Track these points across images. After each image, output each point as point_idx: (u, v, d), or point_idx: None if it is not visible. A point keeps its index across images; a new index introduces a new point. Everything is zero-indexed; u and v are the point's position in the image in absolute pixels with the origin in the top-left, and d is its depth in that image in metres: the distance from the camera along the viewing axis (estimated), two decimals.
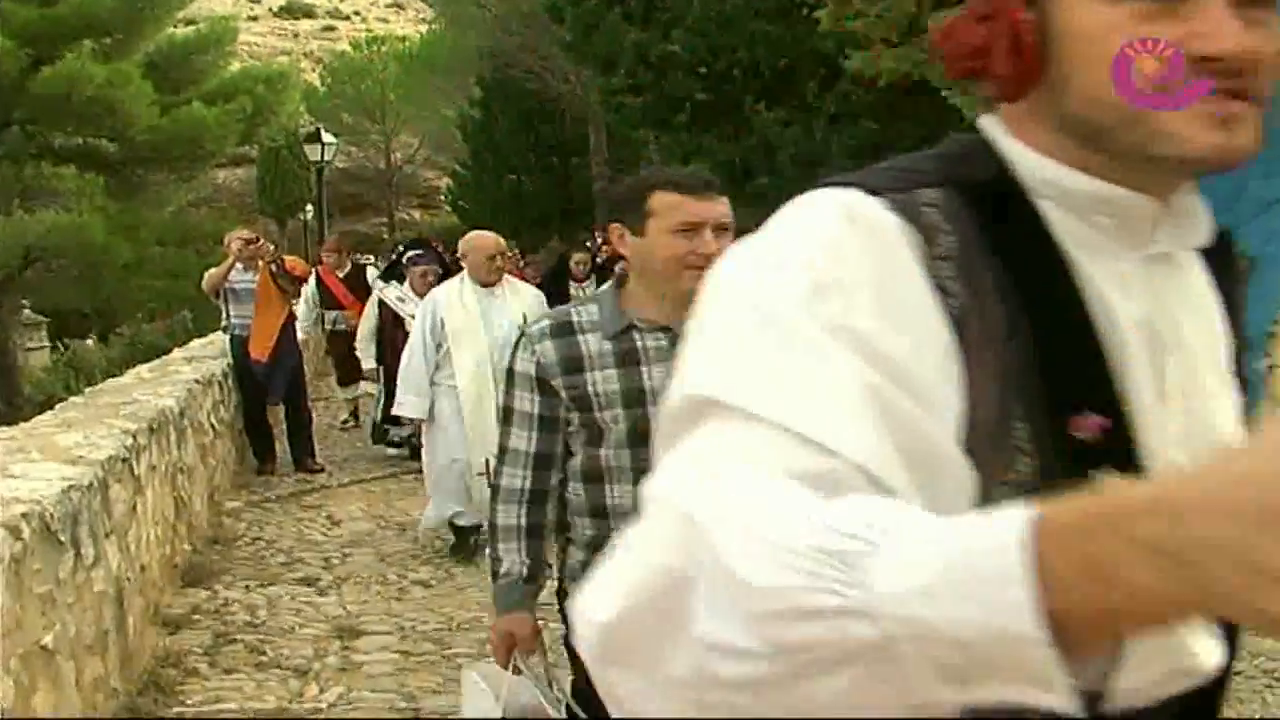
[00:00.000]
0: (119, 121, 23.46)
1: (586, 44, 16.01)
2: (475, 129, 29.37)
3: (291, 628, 6.55)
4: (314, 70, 54.80)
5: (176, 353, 11.80)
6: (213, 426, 9.32)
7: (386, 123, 48.39)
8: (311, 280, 12.48)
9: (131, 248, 21.62)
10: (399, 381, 7.90)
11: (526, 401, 3.07)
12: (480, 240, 7.74)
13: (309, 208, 38.10)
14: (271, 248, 11.25)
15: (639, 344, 3.00)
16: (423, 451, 8.15)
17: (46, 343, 32.92)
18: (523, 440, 3.10)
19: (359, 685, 5.70)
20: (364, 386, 12.30)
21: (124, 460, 5.81)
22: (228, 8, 58.84)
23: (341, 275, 12.83)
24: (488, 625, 6.45)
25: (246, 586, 7.31)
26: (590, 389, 2.98)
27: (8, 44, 22.58)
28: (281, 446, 11.16)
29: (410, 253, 10.79)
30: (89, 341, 32.33)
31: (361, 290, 12.03)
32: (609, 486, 3.01)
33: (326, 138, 27.00)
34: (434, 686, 5.68)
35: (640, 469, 2.82)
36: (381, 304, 10.54)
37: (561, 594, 3.22)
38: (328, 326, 13.02)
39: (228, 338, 11.02)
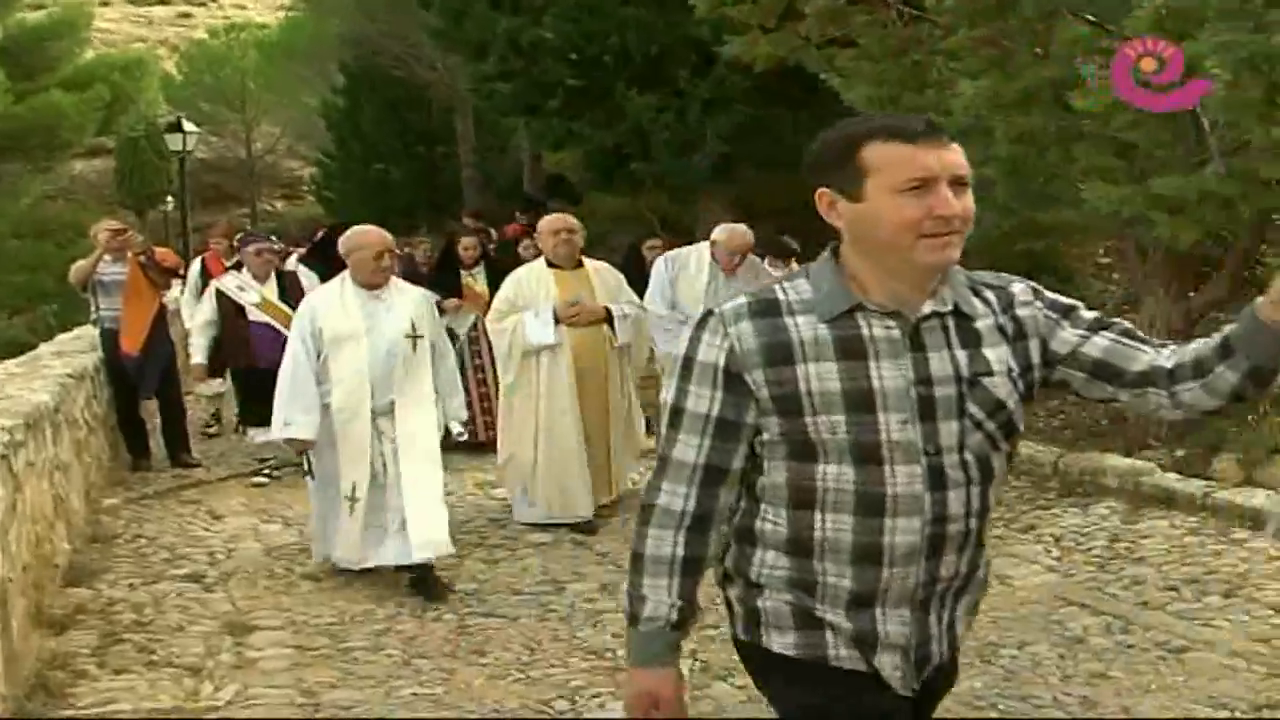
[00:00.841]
0: None
1: (456, 30, 15.86)
2: (339, 117, 28.93)
3: (180, 625, 6.42)
4: (170, 58, 53.58)
5: (44, 347, 11.46)
6: (86, 422, 9.09)
7: (247, 112, 47.31)
8: (195, 269, 11.97)
9: None
10: (277, 400, 6.86)
11: (704, 400, 2.42)
12: (364, 237, 6.94)
13: (169, 199, 37.27)
14: (140, 238, 10.96)
15: (865, 332, 2.36)
16: (309, 480, 7.20)
17: None
18: (691, 450, 2.45)
19: (255, 682, 5.60)
20: (216, 384, 11.11)
21: (2, 456, 5.64)
22: None
23: (229, 264, 11.97)
24: (380, 617, 6.48)
25: (131, 585, 7.13)
26: (802, 387, 2.34)
27: None
28: (156, 442, 10.92)
29: (249, 237, 10.61)
30: None
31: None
32: (820, 515, 2.39)
33: (188, 127, 26.57)
34: (332, 681, 5.60)
35: (866, 493, 2.35)
36: (220, 294, 9.96)
37: (746, 651, 2.58)
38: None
39: (97, 331, 10.75)
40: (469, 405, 9.83)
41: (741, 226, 9.38)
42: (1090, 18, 8.20)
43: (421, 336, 6.92)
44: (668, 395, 2.51)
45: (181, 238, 27.38)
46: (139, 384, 10.57)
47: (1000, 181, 8.69)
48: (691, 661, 5.64)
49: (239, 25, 52.30)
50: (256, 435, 9.66)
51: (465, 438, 8.05)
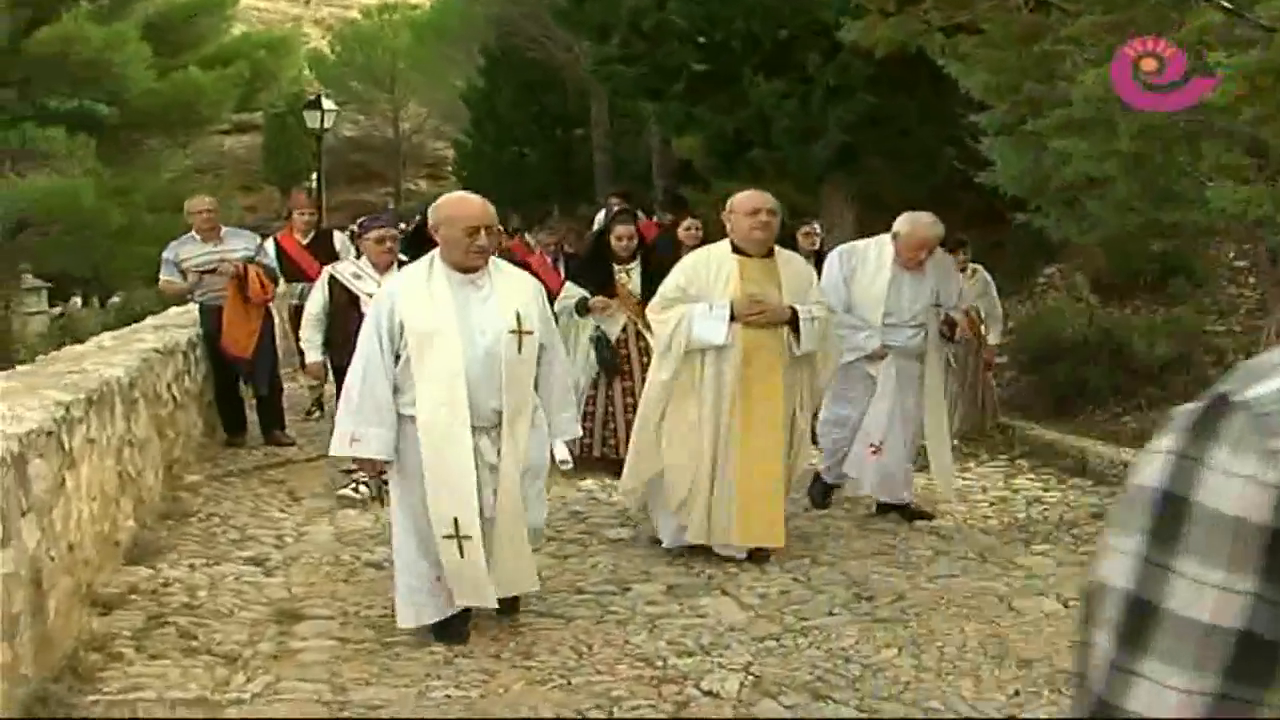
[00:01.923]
0: (115, 84, 23.17)
1: (580, 12, 15.65)
2: (478, 98, 29.00)
3: (230, 610, 6.26)
4: (324, 37, 54.35)
5: (148, 320, 11.50)
6: (174, 397, 9.02)
7: (395, 91, 47.88)
8: (270, 247, 11.32)
9: (123, 213, 21.32)
10: (342, 407, 5.76)
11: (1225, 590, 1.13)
12: (456, 207, 5.72)
13: (314, 176, 37.74)
14: (235, 267, 10.30)
15: None
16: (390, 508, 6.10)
17: (45, 307, 32.68)
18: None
19: (289, 674, 5.40)
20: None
21: (49, 434, 5.51)
22: None
23: (305, 242, 11.65)
24: None
25: (191, 565, 7.01)
26: None
27: (3, 4, 22.26)
28: (253, 418, 10.86)
29: (367, 220, 9.64)
30: (84, 306, 32.04)
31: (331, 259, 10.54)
32: None
33: (327, 104, 26.73)
34: (367, 677, 5.37)
35: None
36: (333, 281, 8.94)
37: None
38: (293, 301, 11.35)
39: (197, 307, 10.72)
40: (605, 418, 9.37)
41: (928, 216, 7.91)
42: (1225, 4, 7.66)
43: (530, 333, 5.68)
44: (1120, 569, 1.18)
45: (320, 214, 27.66)
46: (249, 382, 10.63)
47: (1121, 178, 8.20)
48: (743, 675, 5.33)
49: (391, 5, 52.91)
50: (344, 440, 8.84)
51: (569, 465, 6.40)
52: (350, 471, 8.23)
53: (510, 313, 5.64)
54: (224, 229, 10.74)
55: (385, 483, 6.01)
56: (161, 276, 10.76)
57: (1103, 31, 8.17)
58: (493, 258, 5.81)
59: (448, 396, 5.50)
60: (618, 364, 9.31)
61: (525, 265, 8.40)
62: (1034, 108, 8.70)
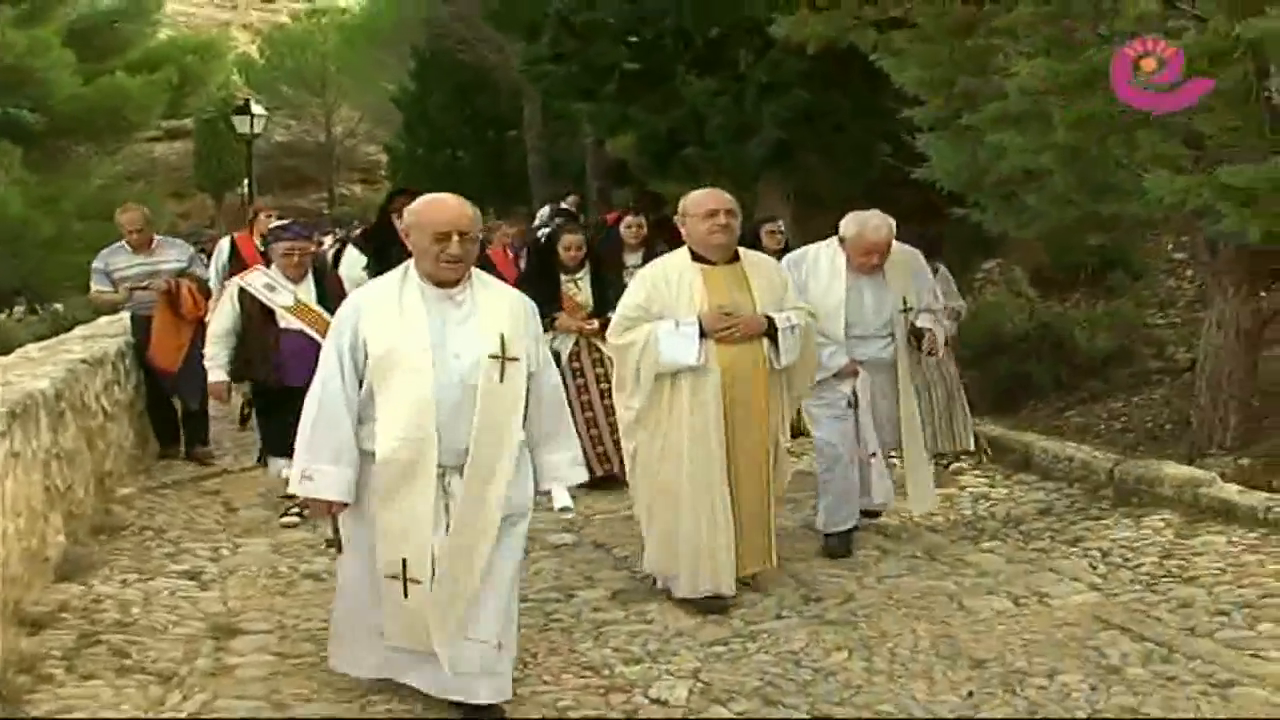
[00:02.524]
0: (39, 90, 22.81)
1: (509, 11, 15.54)
2: (409, 101, 28.78)
3: (165, 626, 6.10)
4: (253, 42, 53.83)
5: (78, 330, 11.28)
6: (104, 408, 8.81)
7: (327, 96, 47.48)
8: (224, 248, 10.68)
9: (52, 222, 20.99)
10: (298, 439, 4.82)
11: None
12: (426, 210, 4.84)
13: (246, 182, 37.36)
14: (166, 283, 9.91)
15: None
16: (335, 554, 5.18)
17: None
18: None
19: (226, 692, 5.26)
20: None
21: None
22: None
23: (263, 247, 10.06)
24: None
25: (124, 581, 6.83)
26: None
27: None
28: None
29: (281, 224, 9.11)
30: (17, 316, 31.47)
31: None
32: None
33: (256, 109, 26.51)
34: (307, 693, 5.25)
35: None
36: (244, 294, 8.16)
37: None
38: None
39: (128, 316, 10.48)
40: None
41: (876, 216, 7.11)
42: None
43: (515, 359, 4.84)
44: None
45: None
46: (178, 396, 10.23)
47: (1058, 171, 8.18)
48: (692, 681, 5.25)
49: (321, 9, 52.52)
50: (283, 467, 7.29)
51: (571, 513, 5.81)
52: (289, 497, 7.49)
53: (493, 335, 4.78)
54: (157, 239, 10.42)
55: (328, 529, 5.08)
56: (93, 286, 10.38)
57: (1039, 22, 8.17)
58: (476, 271, 4.98)
59: (413, 430, 4.69)
60: (574, 382, 8.83)
61: (485, 259, 8.27)
62: (968, 102, 8.68)
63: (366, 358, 4.76)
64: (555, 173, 24.49)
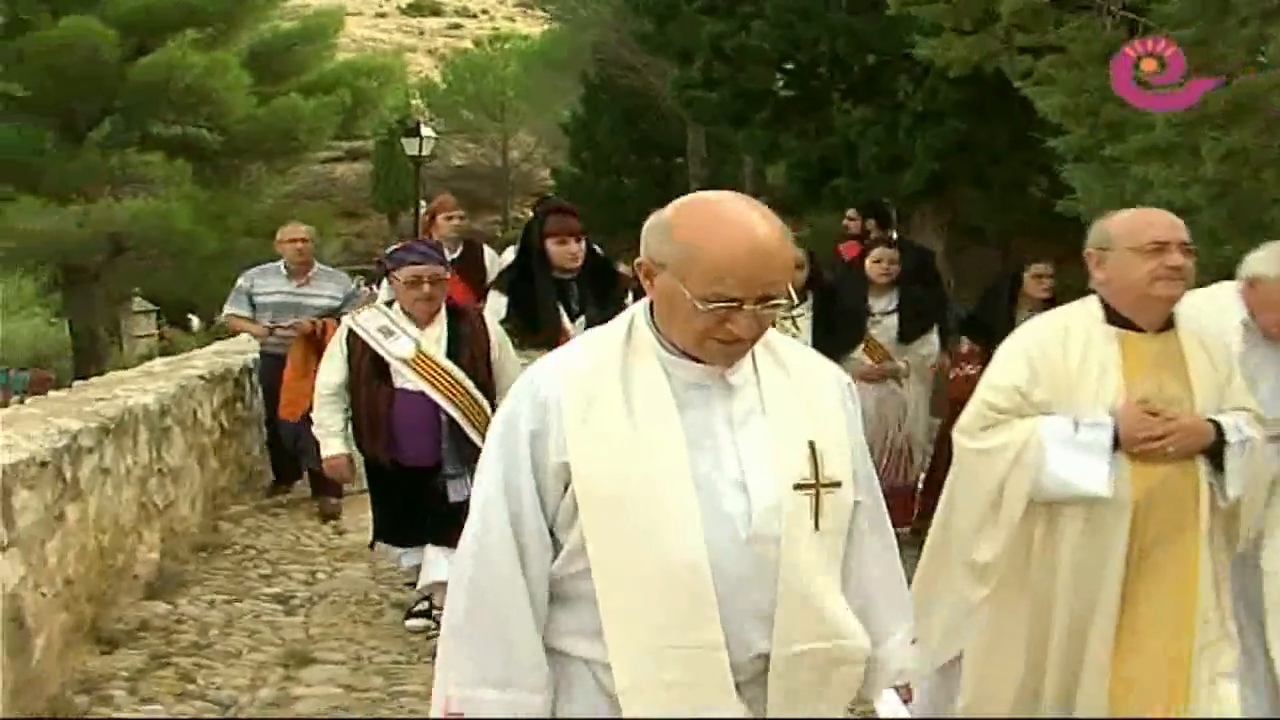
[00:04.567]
0: (215, 110, 23.45)
1: (662, 35, 15.38)
2: (578, 127, 28.94)
3: (240, 651, 5.98)
4: (436, 67, 54.94)
5: (219, 345, 11.37)
6: (221, 425, 8.81)
7: (505, 120, 48.20)
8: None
9: (218, 237, 21.45)
10: (442, 641, 2.67)
11: None
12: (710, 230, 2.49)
13: (423, 203, 37.97)
14: (311, 324, 8.54)
15: None
16: None
17: (154, 330, 33.15)
18: None
19: None
20: None
21: (42, 464, 5.27)
22: (357, 4, 59.35)
23: (451, 256, 8.25)
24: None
25: (211, 601, 6.74)
26: None
27: (109, 32, 22.58)
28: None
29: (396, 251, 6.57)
30: (193, 327, 32.46)
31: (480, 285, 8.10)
32: None
33: (426, 131, 26.80)
34: None
35: None
36: (353, 338, 6.13)
37: None
38: None
39: (257, 352, 9.43)
40: None
41: None
42: None
43: (837, 484, 2.60)
44: None
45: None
46: (296, 453, 8.66)
47: (1207, 207, 7.69)
48: None
49: (504, 36, 53.40)
50: (402, 556, 6.47)
51: None
52: (411, 585, 6.46)
53: (797, 445, 2.58)
54: (316, 267, 9.13)
55: None
56: (228, 308, 9.13)
57: (1189, 48, 7.69)
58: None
59: (676, 629, 2.49)
60: None
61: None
62: (1114, 131, 8.23)
63: (567, 493, 2.52)
64: None
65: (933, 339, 7.82)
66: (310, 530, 8.51)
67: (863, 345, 7.58)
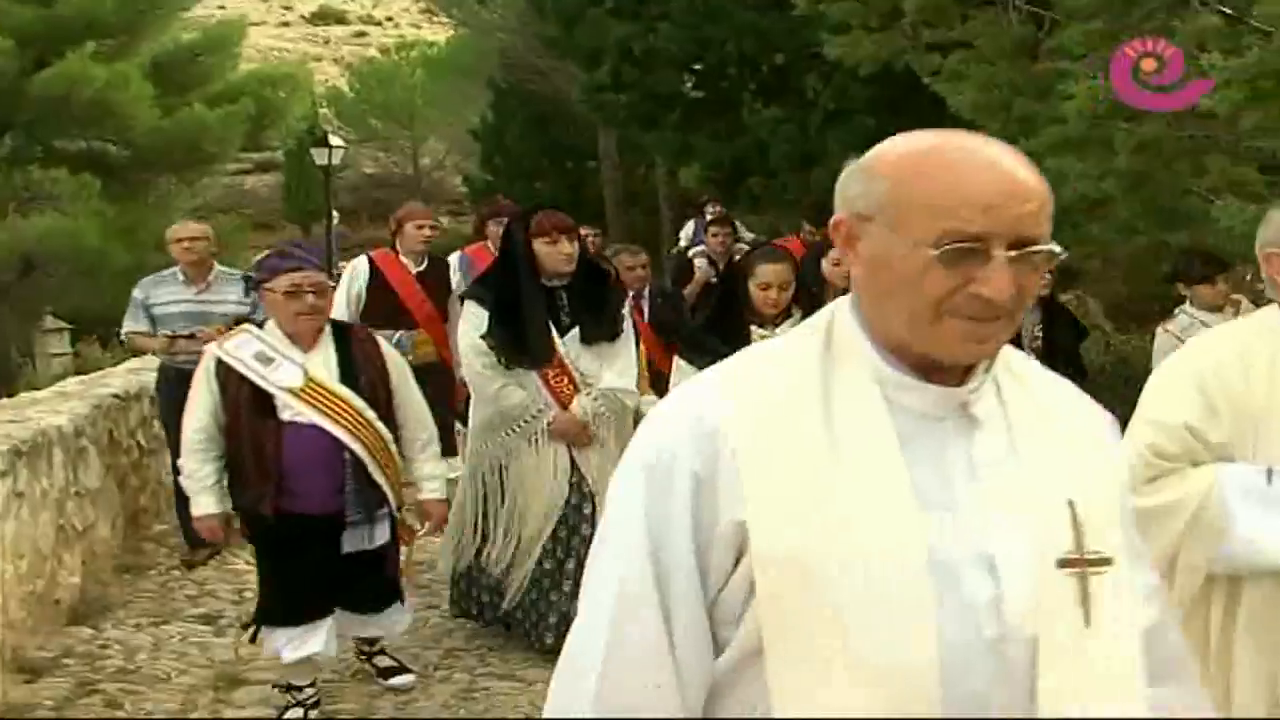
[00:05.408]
0: (120, 124, 23.10)
1: (569, 38, 15.33)
2: (487, 132, 28.78)
3: (168, 675, 5.91)
4: (343, 75, 54.45)
5: (133, 362, 11.16)
6: (139, 444, 8.66)
7: (415, 128, 47.90)
8: (360, 271, 8.29)
9: (129, 252, 21.08)
10: None
11: None
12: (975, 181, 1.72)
13: (335, 214, 37.57)
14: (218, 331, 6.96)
15: None
16: None
17: (68, 349, 32.49)
18: None
19: None
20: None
21: None
22: (261, 14, 58.69)
23: (417, 269, 8.26)
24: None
25: (137, 624, 6.66)
26: None
27: (6, 44, 22.20)
28: None
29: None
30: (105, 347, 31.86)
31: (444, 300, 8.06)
32: None
33: (335, 141, 26.57)
34: None
35: None
36: (222, 367, 5.21)
37: None
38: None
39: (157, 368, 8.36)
40: None
41: None
42: (1222, 8, 7.28)
43: (1108, 561, 1.78)
44: None
45: (330, 254, 27.48)
46: None
47: (1121, 198, 7.79)
48: None
49: (409, 44, 53.04)
50: (278, 643, 5.32)
51: None
52: (292, 687, 5.42)
53: (1057, 505, 1.78)
54: (216, 269, 8.09)
55: None
56: (126, 325, 8.14)
57: (1096, 39, 7.79)
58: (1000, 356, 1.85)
59: None
60: None
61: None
62: (1027, 126, 8.31)
63: (738, 568, 1.72)
64: (631, 203, 24.32)
65: None
66: (237, 547, 8.36)
67: None
